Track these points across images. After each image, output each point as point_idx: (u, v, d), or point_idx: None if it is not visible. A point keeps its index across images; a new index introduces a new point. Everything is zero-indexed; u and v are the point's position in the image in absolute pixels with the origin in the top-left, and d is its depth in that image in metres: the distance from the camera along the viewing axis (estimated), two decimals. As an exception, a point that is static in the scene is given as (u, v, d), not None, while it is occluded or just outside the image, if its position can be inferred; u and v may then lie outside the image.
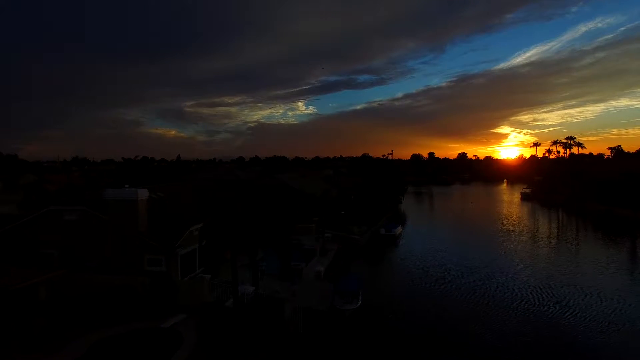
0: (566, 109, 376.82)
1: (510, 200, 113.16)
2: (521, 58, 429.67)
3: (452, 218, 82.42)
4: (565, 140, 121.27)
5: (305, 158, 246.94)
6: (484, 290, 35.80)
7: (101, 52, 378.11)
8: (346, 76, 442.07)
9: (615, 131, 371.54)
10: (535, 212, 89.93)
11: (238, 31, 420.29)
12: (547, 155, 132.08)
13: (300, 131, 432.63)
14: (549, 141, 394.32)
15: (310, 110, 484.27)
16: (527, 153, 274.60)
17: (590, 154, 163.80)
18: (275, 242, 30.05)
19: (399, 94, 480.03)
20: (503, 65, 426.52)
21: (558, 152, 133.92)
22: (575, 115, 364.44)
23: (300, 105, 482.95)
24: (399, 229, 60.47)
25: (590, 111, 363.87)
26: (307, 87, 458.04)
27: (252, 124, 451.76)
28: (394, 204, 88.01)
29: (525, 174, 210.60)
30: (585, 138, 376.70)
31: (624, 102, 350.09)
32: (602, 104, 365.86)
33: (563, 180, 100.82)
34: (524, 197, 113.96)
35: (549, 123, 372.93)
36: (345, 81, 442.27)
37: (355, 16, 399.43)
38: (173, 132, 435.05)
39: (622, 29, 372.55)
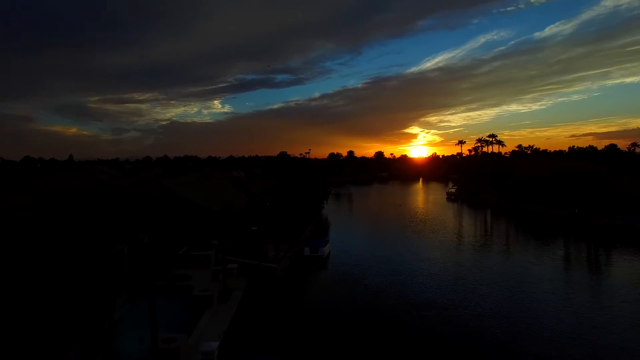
0: (468, 111, 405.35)
1: (436, 201, 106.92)
2: (430, 63, 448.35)
3: (384, 225, 71.86)
4: (488, 138, 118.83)
5: (219, 157, 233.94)
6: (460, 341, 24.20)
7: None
8: (263, 75, 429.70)
9: (506, 133, 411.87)
10: (469, 215, 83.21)
11: (150, 24, 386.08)
12: (472, 153, 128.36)
13: (215, 130, 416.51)
14: (454, 140, 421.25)
15: (227, 108, 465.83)
16: (439, 152, 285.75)
17: (493, 152, 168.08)
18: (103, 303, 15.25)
19: (316, 94, 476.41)
20: (414, 69, 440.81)
21: (474, 150, 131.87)
22: (475, 118, 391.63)
23: (216, 103, 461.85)
24: (327, 247, 47.57)
25: (487, 114, 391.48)
26: (223, 85, 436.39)
27: (164, 122, 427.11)
28: (316, 211, 75.56)
29: (440, 172, 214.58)
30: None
31: (514, 107, 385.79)
32: (497, 108, 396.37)
33: (491, 179, 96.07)
34: (450, 198, 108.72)
35: (453, 124, 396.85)
36: (263, 80, 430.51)
37: (273, 15, 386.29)
38: (73, 130, 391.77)
39: (512, 42, 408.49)
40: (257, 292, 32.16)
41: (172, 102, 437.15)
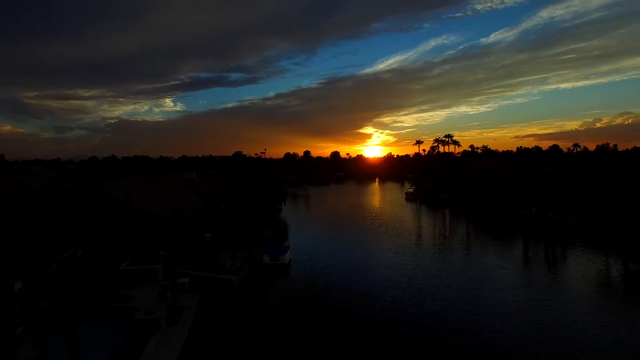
0: (420, 112, 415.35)
1: (395, 201, 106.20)
2: (383, 65, 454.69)
3: (346, 227, 69.49)
4: (444, 138, 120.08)
5: (171, 158, 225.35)
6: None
7: None
8: (217, 73, 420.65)
9: (457, 133, 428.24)
10: (430, 215, 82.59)
11: (97, 16, 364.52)
12: (426, 152, 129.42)
13: (167, 129, 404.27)
14: (407, 141, 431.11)
15: (179, 107, 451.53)
16: (394, 152, 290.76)
17: (445, 152, 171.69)
18: None
19: (271, 94, 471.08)
20: (368, 70, 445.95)
21: (431, 149, 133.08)
22: (427, 119, 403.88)
23: (168, 101, 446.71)
24: (287, 254, 44.31)
25: (438, 115, 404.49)
26: (175, 82, 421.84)
27: (112, 120, 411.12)
28: (274, 213, 72.08)
29: (395, 172, 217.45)
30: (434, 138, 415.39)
31: (463, 109, 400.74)
32: (448, 110, 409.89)
33: (450, 178, 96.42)
34: (409, 198, 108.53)
35: (407, 125, 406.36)
36: (216, 78, 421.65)
37: (228, 13, 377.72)
38: (7, 127, 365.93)
39: (461, 46, 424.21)
40: (212, 310, 28.47)
41: (120, 99, 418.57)
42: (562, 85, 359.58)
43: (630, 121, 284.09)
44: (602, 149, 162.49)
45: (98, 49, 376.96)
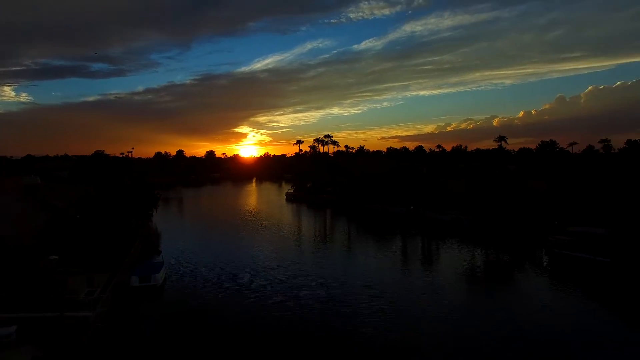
0: (295, 113, 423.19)
1: (275, 202, 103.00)
2: (260, 64, 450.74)
3: (226, 233, 63.70)
4: (324, 138, 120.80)
5: (12, 157, 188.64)
6: None
7: None
8: (75, 62, 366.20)
9: (330, 134, 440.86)
10: (312, 216, 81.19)
11: None
12: (302, 152, 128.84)
13: (6, 122, 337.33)
14: (283, 140, 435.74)
15: (23, 97, 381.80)
16: (270, 151, 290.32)
17: (322, 152, 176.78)
18: None
19: (140, 88, 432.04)
20: (244, 69, 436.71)
21: (311, 149, 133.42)
22: (302, 119, 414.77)
23: (8, 90, 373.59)
24: (161, 272, 37.26)
25: (312, 116, 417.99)
26: (17, 68, 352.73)
27: None
28: (144, 222, 62.82)
29: (272, 172, 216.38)
30: (309, 139, 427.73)
31: (335, 111, 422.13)
32: (321, 111, 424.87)
33: (331, 178, 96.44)
34: (290, 198, 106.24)
35: (282, 125, 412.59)
36: (74, 67, 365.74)
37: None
38: None
39: (334, 51, 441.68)
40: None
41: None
42: (421, 93, 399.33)
43: (471, 126, 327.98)
44: (457, 150, 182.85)
45: None
